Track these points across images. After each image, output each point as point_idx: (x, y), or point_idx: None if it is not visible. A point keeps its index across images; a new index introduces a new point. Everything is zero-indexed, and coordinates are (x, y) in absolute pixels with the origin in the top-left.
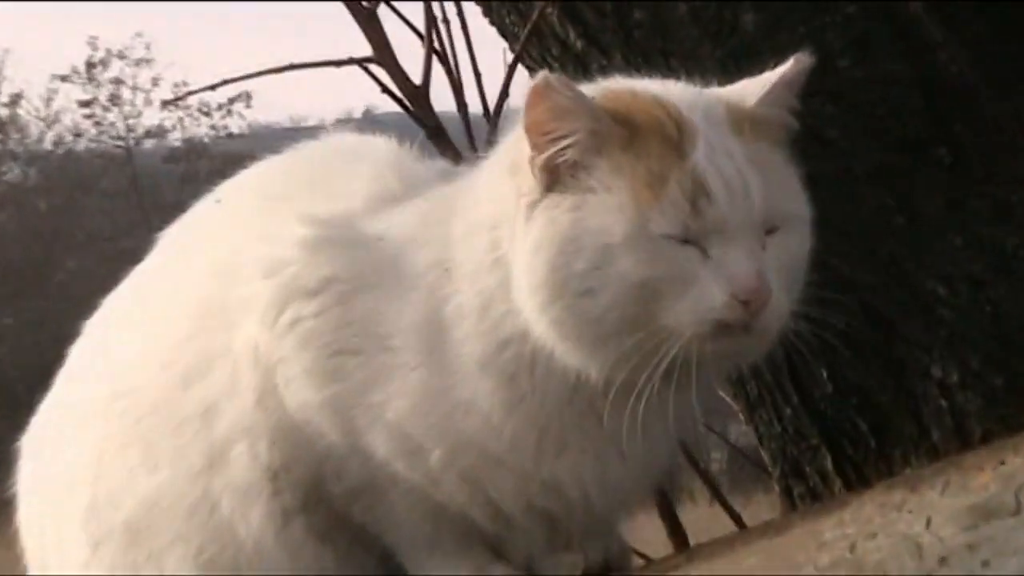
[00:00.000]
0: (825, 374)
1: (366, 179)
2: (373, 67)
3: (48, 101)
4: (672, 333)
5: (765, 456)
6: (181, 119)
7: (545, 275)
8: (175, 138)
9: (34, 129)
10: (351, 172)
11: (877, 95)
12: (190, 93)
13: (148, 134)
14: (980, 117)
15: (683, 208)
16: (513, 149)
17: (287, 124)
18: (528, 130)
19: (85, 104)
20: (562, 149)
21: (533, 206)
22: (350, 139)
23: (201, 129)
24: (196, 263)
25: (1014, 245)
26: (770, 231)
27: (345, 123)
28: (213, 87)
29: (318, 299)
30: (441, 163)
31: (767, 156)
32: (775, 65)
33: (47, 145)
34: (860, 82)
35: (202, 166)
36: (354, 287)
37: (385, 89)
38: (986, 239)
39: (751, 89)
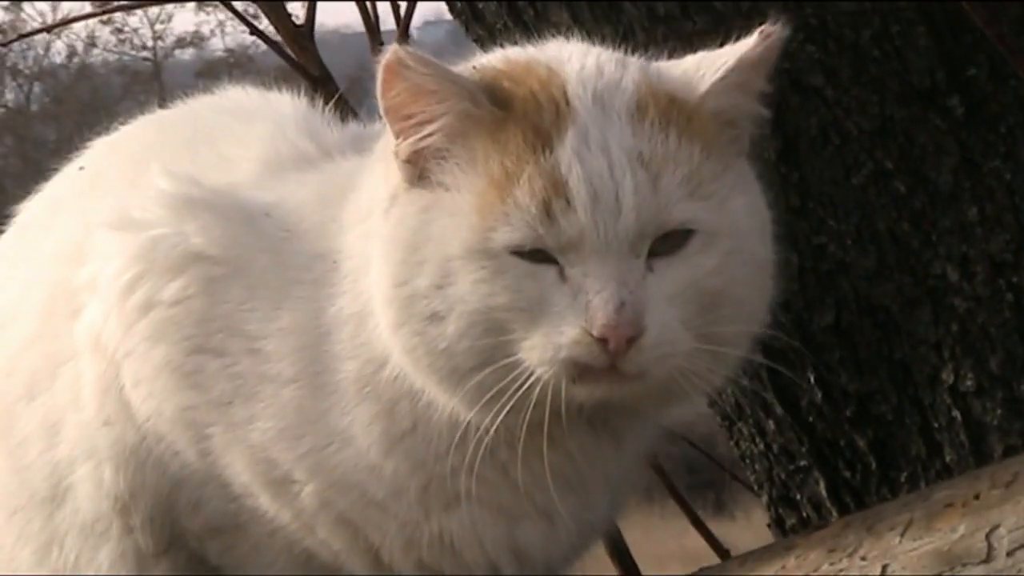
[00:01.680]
0: (812, 379)
1: (261, 143)
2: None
3: (56, 3)
4: (525, 372)
5: (751, 479)
6: (222, 23)
7: (390, 289)
8: (215, 47)
9: (39, 39)
10: (244, 134)
11: (872, 31)
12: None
13: (181, 43)
14: (1001, 58)
15: (531, 214)
16: (386, 132)
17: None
18: (386, 114)
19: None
20: (425, 136)
21: (393, 201)
22: (250, 95)
23: (247, 36)
24: (47, 245)
25: None
26: (666, 248)
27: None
28: (47, 29)
29: (181, 280)
30: (355, 127)
31: (671, 152)
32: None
33: (56, 59)
34: (850, 15)
35: (249, 83)
36: (228, 270)
37: (255, 31)
38: (1007, 210)
39: (705, 69)
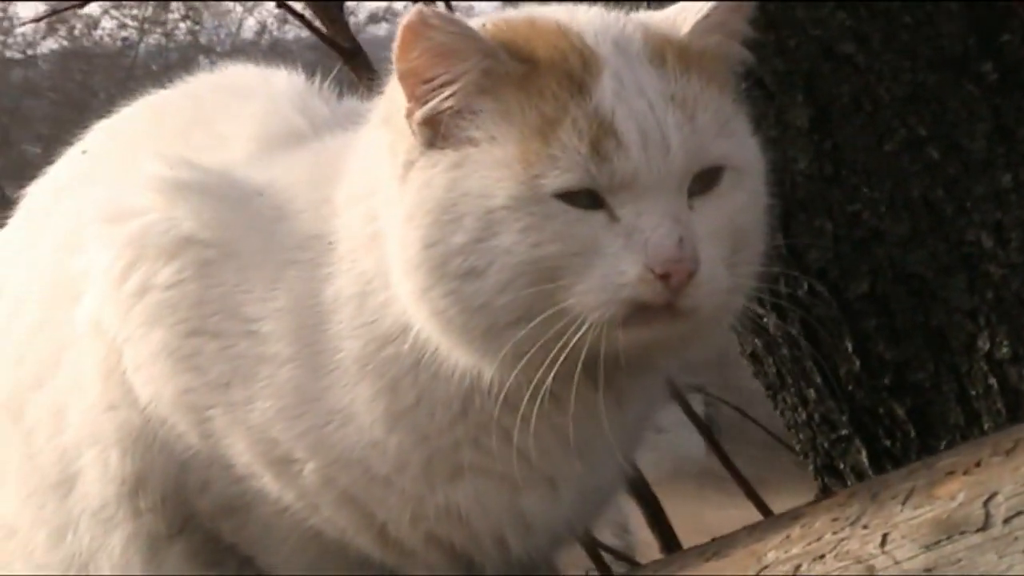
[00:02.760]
0: (850, 347)
1: (254, 120)
2: None
3: None
4: (577, 319)
5: (797, 448)
6: None
7: (420, 252)
8: None
9: (232, 16)
10: (239, 113)
11: None
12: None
13: (373, 18)
14: None
15: (581, 154)
16: (388, 99)
17: None
18: (403, 79)
19: None
20: (449, 96)
21: (409, 166)
22: (249, 73)
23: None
24: (49, 232)
25: None
26: (701, 187)
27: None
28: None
29: (174, 264)
30: (351, 103)
31: (697, 93)
32: None
33: (247, 34)
34: None
35: None
36: (220, 253)
37: (282, 4)
38: None
39: (686, 15)
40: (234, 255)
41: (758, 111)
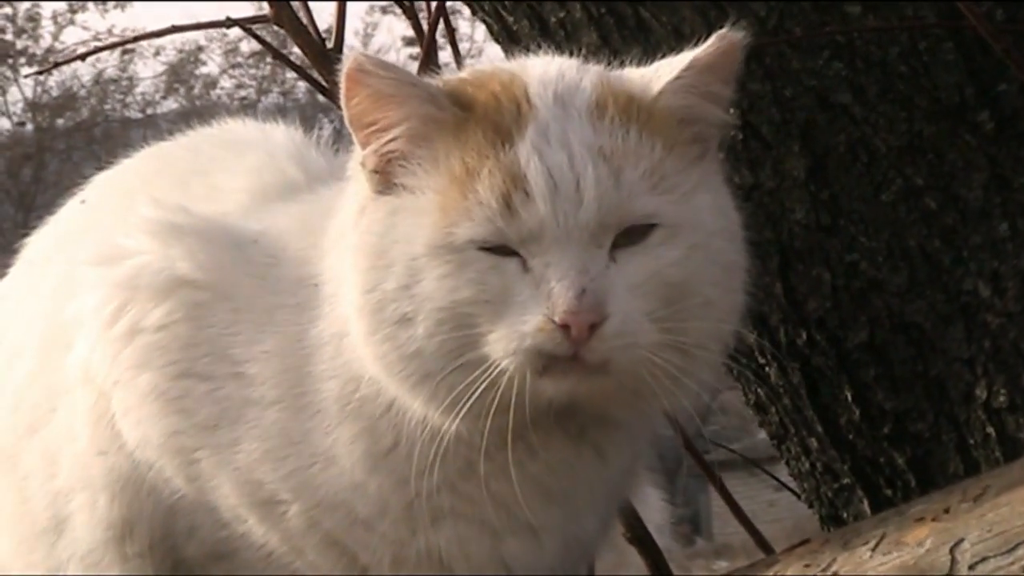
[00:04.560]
0: (850, 397)
1: (251, 173)
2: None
3: (366, 39)
4: (493, 366)
5: (804, 498)
6: None
7: (360, 297)
8: None
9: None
10: (235, 165)
11: (899, 48)
12: (56, 65)
13: None
14: None
15: (492, 208)
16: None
17: None
18: (351, 125)
19: (411, 42)
20: (389, 141)
21: (361, 212)
22: (248, 127)
23: None
24: (47, 280)
25: None
26: (628, 240)
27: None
28: (81, 57)
29: (166, 305)
30: (347, 157)
31: (632, 148)
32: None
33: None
34: (877, 32)
35: None
36: (213, 295)
37: (278, 55)
38: None
39: (660, 73)
40: (227, 297)
41: (755, 161)
